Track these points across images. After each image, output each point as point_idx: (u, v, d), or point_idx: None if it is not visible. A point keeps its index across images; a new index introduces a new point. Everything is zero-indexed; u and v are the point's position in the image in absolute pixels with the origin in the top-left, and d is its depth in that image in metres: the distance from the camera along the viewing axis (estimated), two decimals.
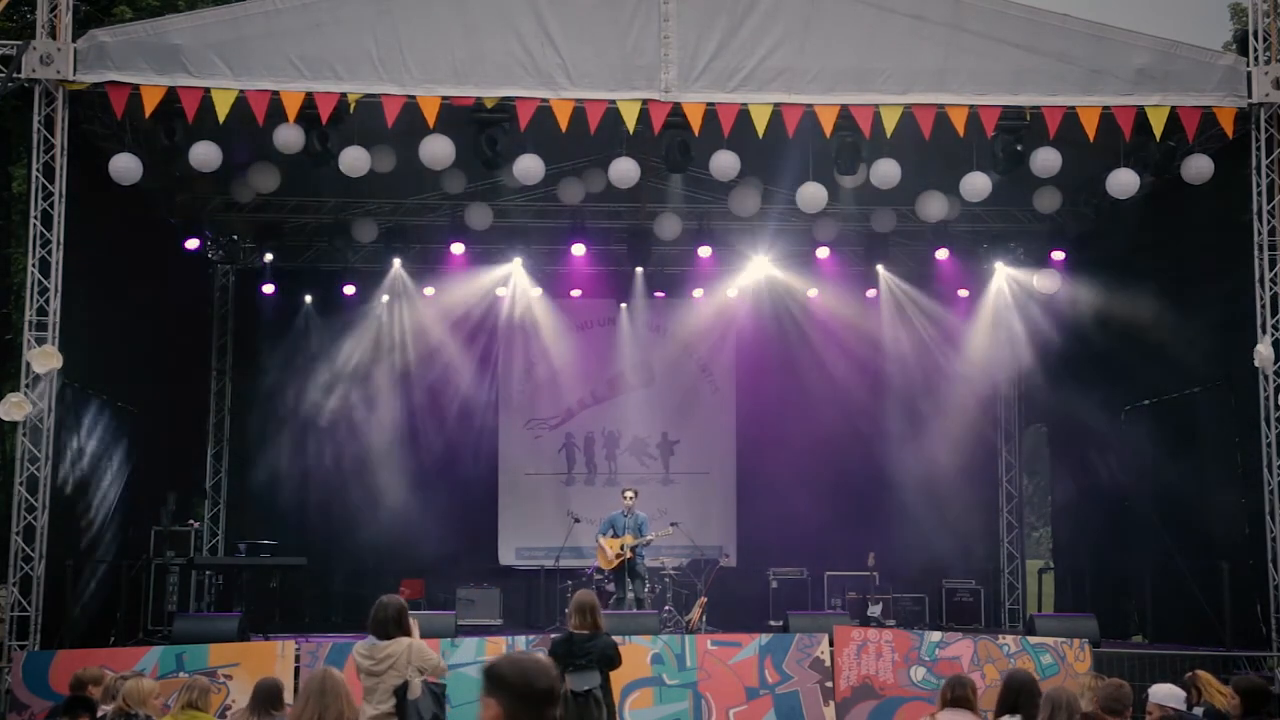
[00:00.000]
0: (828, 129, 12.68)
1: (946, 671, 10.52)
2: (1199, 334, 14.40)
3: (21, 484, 11.93)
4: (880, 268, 18.16)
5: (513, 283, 18.60)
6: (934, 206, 14.96)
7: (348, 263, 18.35)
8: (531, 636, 12.21)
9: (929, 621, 17.34)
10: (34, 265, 12.18)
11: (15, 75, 11.97)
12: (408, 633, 7.60)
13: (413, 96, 12.26)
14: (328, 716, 5.80)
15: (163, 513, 15.79)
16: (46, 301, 12.14)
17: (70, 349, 12.24)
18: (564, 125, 12.50)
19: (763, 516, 18.89)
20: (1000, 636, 12.91)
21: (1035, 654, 11.95)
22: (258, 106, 12.13)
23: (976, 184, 13.54)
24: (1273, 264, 12.79)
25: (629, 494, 15.60)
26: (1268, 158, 12.77)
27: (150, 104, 12.11)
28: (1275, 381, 12.68)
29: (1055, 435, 18.92)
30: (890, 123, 12.52)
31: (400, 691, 7.43)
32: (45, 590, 11.89)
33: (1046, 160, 13.20)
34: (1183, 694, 7.45)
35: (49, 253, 12.18)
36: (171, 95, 12.08)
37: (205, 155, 12.82)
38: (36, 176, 12.16)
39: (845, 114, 12.61)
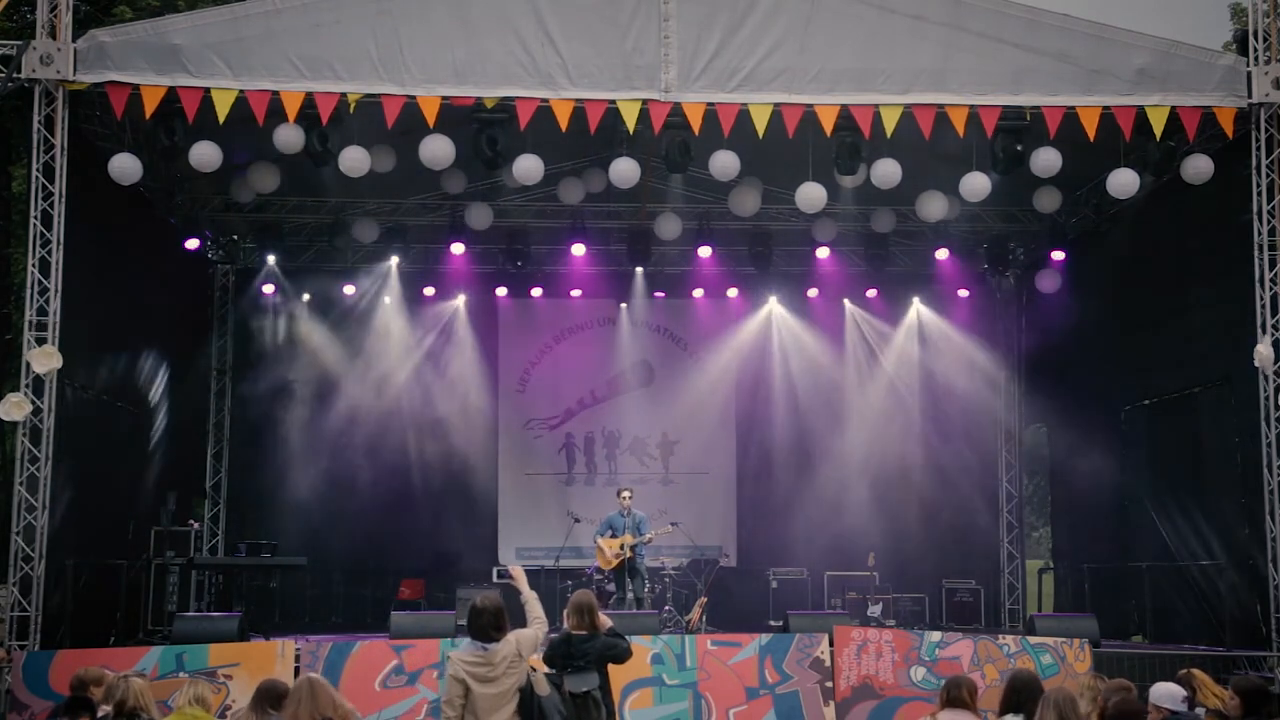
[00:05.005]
0: (828, 129, 12.68)
1: (946, 671, 10.52)
2: (1199, 334, 14.40)
3: (21, 484, 11.93)
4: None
5: (514, 282, 18.63)
6: (934, 206, 14.96)
7: (348, 263, 18.34)
8: None
9: (929, 621, 17.35)
10: (34, 265, 12.17)
11: (15, 75, 11.96)
12: (507, 630, 7.18)
13: (413, 96, 12.25)
14: (317, 715, 5.78)
15: (163, 513, 15.77)
16: (46, 301, 12.13)
17: (70, 349, 12.24)
18: (564, 125, 12.50)
19: (763, 516, 18.92)
20: (1000, 636, 12.90)
21: (1035, 654, 11.94)
22: (258, 106, 12.13)
23: (976, 184, 13.55)
24: (1273, 264, 12.78)
25: (626, 494, 15.60)
26: (1268, 158, 12.77)
27: (150, 104, 12.10)
28: (1275, 381, 12.67)
29: (1055, 435, 18.92)
30: (890, 123, 12.52)
31: (526, 692, 7.08)
32: (45, 590, 11.89)
33: (1046, 160, 13.20)
34: (1182, 693, 7.43)
35: (49, 253, 12.17)
36: (171, 95, 12.07)
37: (205, 155, 12.81)
38: (36, 176, 12.15)
39: (845, 114, 12.61)
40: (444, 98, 12.30)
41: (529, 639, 7.24)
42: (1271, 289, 12.75)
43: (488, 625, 7.11)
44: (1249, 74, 12.62)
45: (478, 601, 7.23)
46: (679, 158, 13.22)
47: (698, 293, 19.17)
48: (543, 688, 7.14)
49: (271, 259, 17.89)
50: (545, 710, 7.12)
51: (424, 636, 12.10)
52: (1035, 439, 20.36)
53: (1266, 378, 12.67)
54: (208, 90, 12.05)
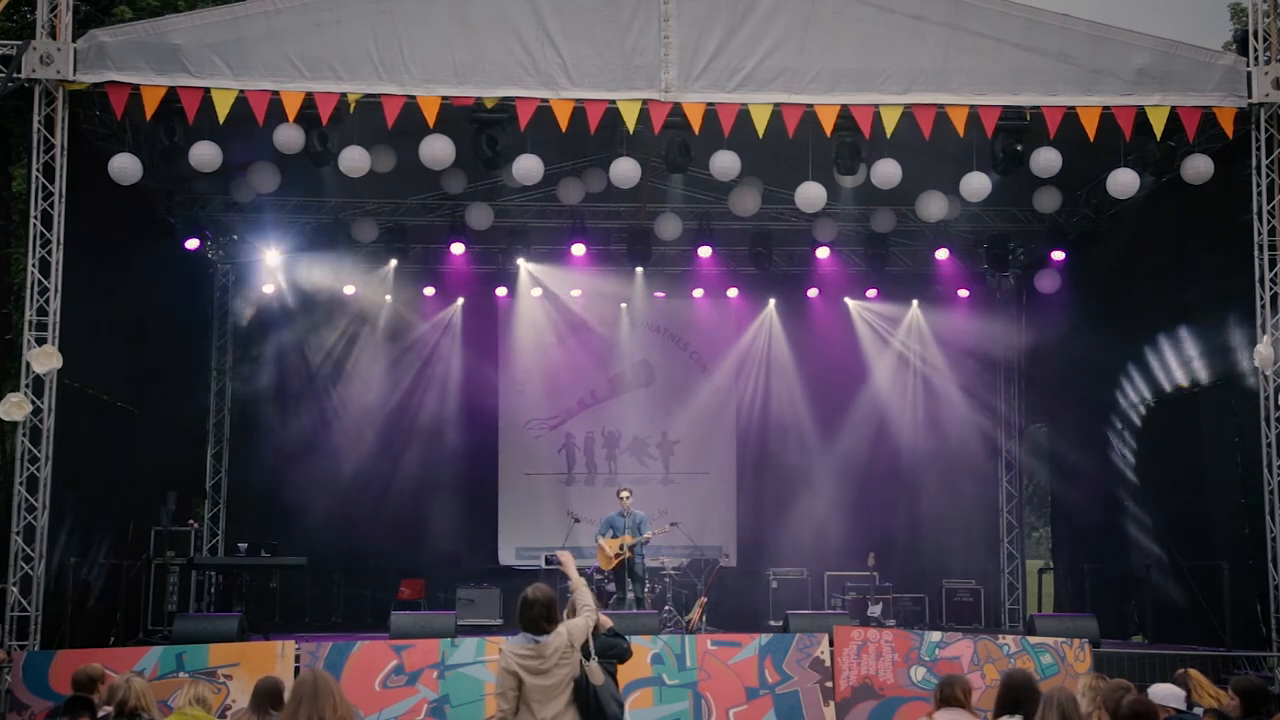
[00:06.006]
0: (828, 129, 12.68)
1: (946, 671, 10.53)
2: (1199, 334, 14.40)
3: (21, 484, 11.93)
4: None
5: (514, 282, 18.66)
6: (934, 206, 14.96)
7: (348, 263, 18.33)
8: None
9: (929, 621, 17.36)
10: (34, 265, 12.18)
11: (15, 75, 11.97)
12: (558, 621, 7.03)
13: (413, 96, 12.26)
14: (318, 716, 5.74)
15: (163, 513, 15.78)
16: (46, 301, 12.14)
17: (70, 349, 12.24)
18: (564, 125, 12.50)
19: (763, 516, 18.92)
20: (1000, 636, 12.90)
21: (1035, 654, 11.94)
22: (258, 106, 12.13)
23: (976, 184, 13.55)
24: (1273, 264, 12.78)
25: (625, 494, 15.62)
26: (1268, 158, 12.77)
27: (150, 104, 12.11)
28: (1275, 381, 12.67)
29: (1055, 435, 18.93)
30: (890, 123, 12.52)
31: (582, 681, 6.95)
32: (45, 590, 11.90)
33: (1046, 160, 13.20)
34: (1183, 693, 7.42)
35: (49, 253, 12.18)
36: (171, 95, 12.08)
37: (205, 155, 12.82)
38: (36, 176, 12.16)
39: (845, 114, 12.61)
40: (444, 98, 12.31)
41: (580, 629, 7.13)
42: (1271, 289, 12.75)
43: (539, 617, 6.98)
44: (1249, 74, 12.63)
45: (529, 593, 7.09)
46: (679, 158, 13.22)
47: (698, 293, 19.18)
48: (597, 677, 7.03)
49: (272, 259, 17.88)
50: (601, 699, 7.02)
51: (424, 636, 12.11)
52: (1035, 439, 20.37)
53: (1266, 378, 12.67)
54: (208, 90, 12.06)
